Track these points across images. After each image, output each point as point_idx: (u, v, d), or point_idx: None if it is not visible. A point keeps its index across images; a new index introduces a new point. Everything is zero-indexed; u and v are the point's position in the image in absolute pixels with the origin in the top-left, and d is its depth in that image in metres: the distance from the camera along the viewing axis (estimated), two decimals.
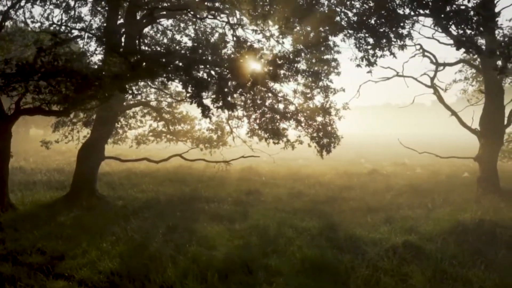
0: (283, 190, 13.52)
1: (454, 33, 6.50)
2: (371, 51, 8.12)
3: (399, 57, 11.75)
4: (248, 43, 12.37)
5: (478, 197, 10.82)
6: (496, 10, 12.21)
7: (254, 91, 11.59)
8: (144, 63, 6.00)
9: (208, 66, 6.58)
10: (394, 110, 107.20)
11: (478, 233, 6.97)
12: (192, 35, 14.88)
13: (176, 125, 16.14)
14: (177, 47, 9.58)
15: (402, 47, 7.75)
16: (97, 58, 11.48)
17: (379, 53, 8.00)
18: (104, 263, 6.19)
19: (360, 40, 8.36)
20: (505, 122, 11.97)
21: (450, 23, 6.10)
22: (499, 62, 13.18)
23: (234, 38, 13.10)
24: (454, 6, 5.97)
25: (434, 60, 13.30)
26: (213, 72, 6.64)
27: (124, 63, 5.79)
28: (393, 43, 8.06)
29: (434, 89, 12.84)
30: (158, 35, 16.03)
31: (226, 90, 6.34)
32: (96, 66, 7.52)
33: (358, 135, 65.96)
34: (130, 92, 6.30)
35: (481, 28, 6.18)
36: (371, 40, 7.83)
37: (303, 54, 11.62)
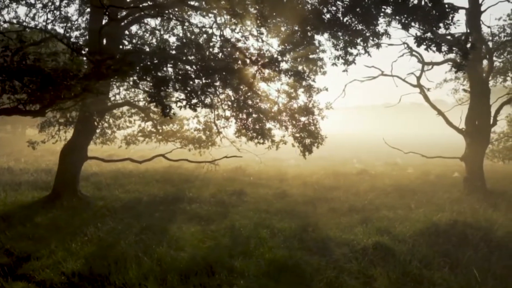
0: (269, 190, 13.43)
1: (415, 29, 6.43)
2: (348, 49, 7.99)
3: (388, 56, 11.73)
4: (232, 42, 12.38)
5: (461, 198, 10.69)
6: (482, 8, 12.19)
7: (241, 90, 11.59)
8: (109, 62, 5.94)
9: (176, 64, 6.51)
10: (393, 109, 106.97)
11: (449, 234, 6.86)
12: (181, 35, 14.89)
13: (164, 125, 16.10)
14: (145, 47, 9.53)
15: (378, 45, 7.64)
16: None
17: (354, 51, 7.90)
18: (69, 264, 6.14)
19: (337, 39, 8.24)
20: (491, 121, 11.84)
21: (409, 19, 5.99)
22: (485, 61, 13.12)
23: (222, 38, 13.11)
24: (414, 2, 5.86)
25: (421, 59, 13.21)
26: (181, 71, 6.57)
27: (86, 62, 5.75)
28: (370, 41, 7.93)
29: (420, 89, 12.72)
30: (147, 34, 16.06)
31: (190, 89, 6.27)
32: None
33: (355, 134, 65.84)
34: (96, 92, 6.20)
35: (440, 25, 6.07)
36: (345, 38, 7.70)
37: (291, 53, 11.58)
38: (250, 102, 12.39)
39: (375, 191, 12.40)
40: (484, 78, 12.05)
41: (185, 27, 15.30)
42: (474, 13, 11.74)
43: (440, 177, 15.54)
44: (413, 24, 6.08)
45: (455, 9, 5.85)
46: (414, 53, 13.58)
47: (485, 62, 12.98)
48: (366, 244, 6.77)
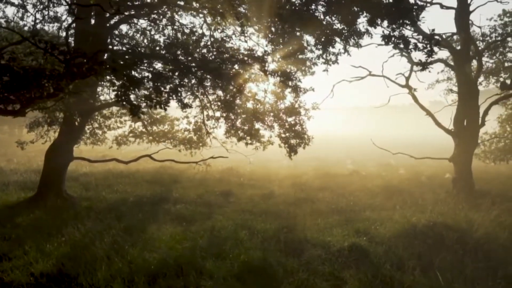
0: (257, 191, 13.37)
1: (383, 27, 6.37)
2: (327, 49, 7.92)
3: (379, 56, 11.66)
4: (219, 42, 12.34)
5: (446, 199, 10.58)
6: (471, 8, 12.10)
7: (229, 90, 11.55)
8: (80, 61, 5.90)
9: (151, 63, 6.47)
10: (393, 110, 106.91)
11: (427, 236, 6.76)
12: (172, 35, 14.86)
13: (155, 126, 16.06)
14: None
15: (358, 44, 7.57)
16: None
17: (335, 50, 7.82)
18: (40, 265, 6.09)
19: (319, 37, 8.15)
20: (479, 122, 11.72)
21: (375, 15, 5.92)
22: (475, 61, 13.02)
23: (212, 38, 13.08)
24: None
25: (410, 60, 13.12)
26: (155, 71, 6.52)
27: (53, 61, 5.72)
28: (352, 40, 7.84)
29: (409, 89, 12.62)
30: (138, 35, 16.00)
31: (161, 88, 6.22)
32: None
33: (354, 135, 65.67)
34: (68, 92, 6.16)
35: (407, 21, 5.99)
36: (323, 37, 7.62)
37: (280, 53, 11.53)
38: (238, 102, 12.38)
39: (363, 192, 12.32)
40: (473, 78, 11.95)
41: (175, 27, 15.27)
42: (463, 12, 11.63)
43: (431, 178, 15.43)
44: (379, 21, 6.02)
45: (420, 6, 5.77)
46: (404, 53, 13.49)
47: (475, 62, 12.88)
48: (342, 246, 6.68)
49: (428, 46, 6.16)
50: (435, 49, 6.42)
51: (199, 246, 7.10)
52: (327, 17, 7.66)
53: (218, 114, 13.26)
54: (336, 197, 11.61)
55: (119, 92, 5.52)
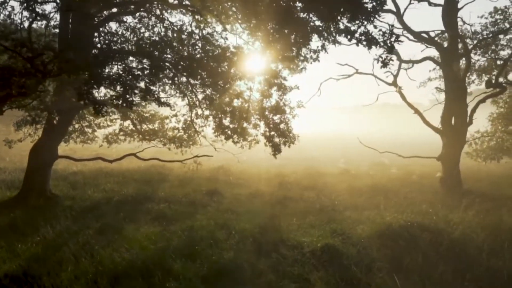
0: (245, 190, 13.26)
1: (345, 24, 6.21)
2: (307, 46, 7.79)
3: (371, 54, 11.44)
4: (204, 39, 12.24)
5: (432, 198, 10.44)
6: (459, 5, 11.92)
7: (215, 88, 11.48)
8: (44, 59, 5.81)
9: (123, 61, 6.39)
10: (393, 109, 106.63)
11: (401, 237, 6.62)
12: (162, 33, 14.76)
13: (143, 124, 15.98)
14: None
15: (335, 42, 7.43)
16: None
17: (313, 47, 7.69)
18: (6, 265, 6.02)
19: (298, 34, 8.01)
20: (468, 120, 11.56)
21: (339, 14, 5.79)
22: (465, 60, 12.82)
23: (199, 36, 12.98)
24: None
25: (399, 57, 12.97)
26: (127, 68, 6.43)
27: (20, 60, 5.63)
28: (330, 37, 7.69)
29: (395, 86, 12.47)
30: (128, 33, 15.89)
31: (129, 87, 6.12)
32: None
33: (353, 134, 65.43)
34: (35, 90, 6.07)
35: (370, 18, 5.85)
36: (300, 34, 7.48)
37: (268, 50, 11.43)
38: (223, 100, 12.31)
39: (349, 191, 12.19)
40: (460, 76, 11.77)
41: (165, 25, 15.14)
42: (450, 9, 11.44)
43: (422, 177, 15.27)
44: (339, 16, 5.88)
45: (378, 2, 5.62)
46: (394, 50, 13.32)
47: (463, 60, 12.70)
48: (315, 247, 6.58)
49: (388, 42, 6.03)
50: (396, 45, 6.32)
51: (173, 246, 7.01)
52: (305, 14, 7.51)
53: (207, 112, 13.24)
54: (321, 196, 11.49)
55: (82, 90, 5.43)
